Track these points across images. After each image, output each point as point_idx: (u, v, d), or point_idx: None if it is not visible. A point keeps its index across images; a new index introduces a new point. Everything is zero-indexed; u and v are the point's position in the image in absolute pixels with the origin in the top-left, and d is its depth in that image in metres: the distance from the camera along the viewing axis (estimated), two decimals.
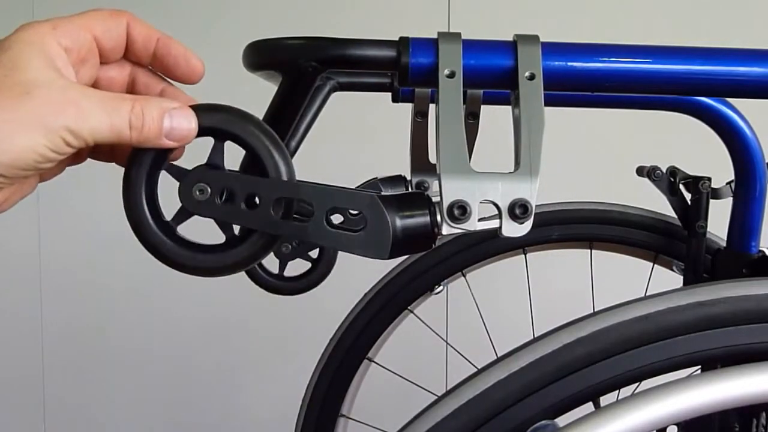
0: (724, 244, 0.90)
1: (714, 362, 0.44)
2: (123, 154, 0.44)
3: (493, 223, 0.42)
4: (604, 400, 0.42)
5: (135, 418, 1.80)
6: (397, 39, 0.45)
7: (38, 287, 1.76)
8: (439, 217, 0.42)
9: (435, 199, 0.43)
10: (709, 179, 0.90)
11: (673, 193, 0.91)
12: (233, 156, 0.43)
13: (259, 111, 0.45)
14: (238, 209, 0.42)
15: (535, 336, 0.44)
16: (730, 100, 0.82)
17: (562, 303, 1.10)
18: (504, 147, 0.55)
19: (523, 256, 1.00)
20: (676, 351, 0.42)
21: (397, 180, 0.82)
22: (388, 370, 1.03)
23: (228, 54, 0.83)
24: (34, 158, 0.37)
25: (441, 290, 0.99)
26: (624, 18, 1.67)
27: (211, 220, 0.42)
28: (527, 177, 0.42)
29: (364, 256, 0.42)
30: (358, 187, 0.73)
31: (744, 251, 0.87)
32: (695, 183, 0.90)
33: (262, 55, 0.48)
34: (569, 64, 0.46)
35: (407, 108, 0.81)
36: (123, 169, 0.42)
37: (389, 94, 0.77)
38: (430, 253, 0.96)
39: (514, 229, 0.42)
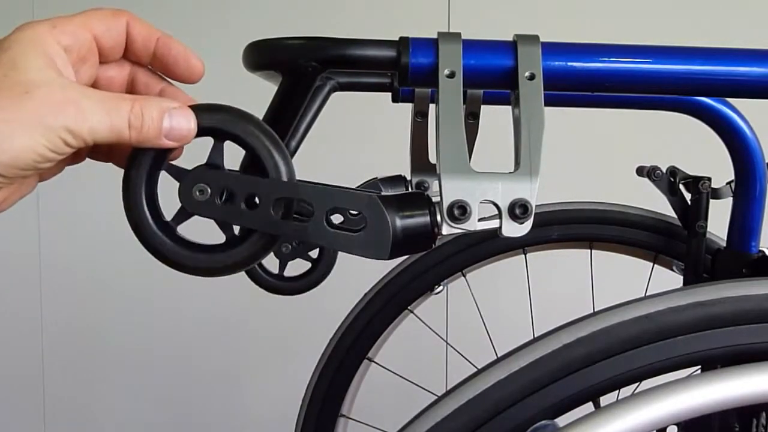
0: (724, 244, 0.90)
1: (714, 362, 0.44)
2: (121, 154, 0.44)
3: (493, 223, 0.42)
4: (604, 400, 0.42)
5: (135, 418, 1.80)
6: (397, 39, 0.45)
7: (38, 287, 1.76)
8: (439, 217, 0.42)
9: (435, 199, 0.43)
10: (709, 179, 0.90)
11: (673, 193, 0.91)
12: (233, 156, 0.43)
13: (259, 111, 0.45)
14: (238, 209, 0.42)
15: (535, 336, 0.44)
16: (730, 100, 0.82)
17: (562, 303, 1.10)
18: (504, 147, 0.55)
19: (523, 256, 1.00)
20: (676, 351, 0.42)
21: (397, 180, 0.82)
22: (388, 370, 1.03)
23: (228, 54, 0.83)
24: (33, 158, 0.37)
25: (441, 290, 0.99)
26: (624, 18, 1.67)
27: (211, 220, 0.42)
28: (527, 177, 0.42)
29: (364, 257, 0.42)
30: (358, 187, 0.73)
31: (744, 251, 0.87)
32: (695, 183, 0.90)
33: (262, 55, 0.48)
34: (569, 64, 0.46)
35: (407, 108, 0.81)
36: (123, 169, 0.42)
37: (389, 94, 0.77)
38: (430, 253, 0.96)
39: (514, 229, 0.42)
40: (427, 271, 0.97)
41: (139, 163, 0.41)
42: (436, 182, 0.55)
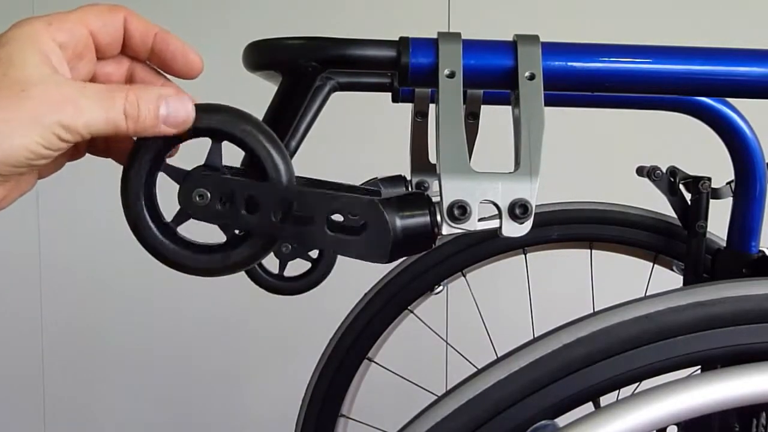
0: (724, 244, 0.90)
1: (714, 362, 0.44)
2: (119, 149, 0.44)
3: (493, 223, 0.42)
4: (604, 400, 0.42)
5: (135, 418, 1.80)
6: (397, 39, 0.45)
7: (38, 287, 1.76)
8: (439, 217, 0.42)
9: (435, 199, 0.43)
10: (709, 179, 0.90)
11: (673, 193, 0.91)
12: (233, 155, 0.43)
13: (259, 111, 0.45)
14: (237, 214, 0.42)
15: (535, 336, 0.44)
16: (730, 100, 0.82)
17: (562, 303, 1.10)
18: (504, 147, 0.55)
19: (523, 256, 1.00)
20: (676, 351, 0.42)
21: (397, 180, 0.82)
22: (388, 370, 1.03)
23: (228, 54, 0.83)
24: (26, 155, 0.37)
25: (441, 290, 0.99)
26: (624, 18, 1.67)
27: None
28: (527, 177, 0.42)
29: (364, 260, 0.42)
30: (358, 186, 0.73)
31: (744, 251, 0.87)
32: (695, 183, 0.90)
33: (262, 55, 0.48)
34: (569, 64, 0.46)
35: (407, 108, 0.81)
36: (123, 167, 0.42)
37: (389, 94, 0.77)
38: (430, 253, 0.96)
39: (514, 229, 0.42)
40: (427, 271, 0.97)
41: (138, 162, 0.41)
42: (436, 182, 0.55)
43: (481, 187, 0.42)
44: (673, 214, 0.93)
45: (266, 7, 1.69)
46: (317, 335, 1.03)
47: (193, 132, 0.41)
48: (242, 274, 0.49)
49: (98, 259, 1.74)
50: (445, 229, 0.42)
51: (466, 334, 1.20)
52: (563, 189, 1.01)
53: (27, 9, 1.67)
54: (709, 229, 0.90)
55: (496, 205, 0.42)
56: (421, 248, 0.43)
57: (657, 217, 0.97)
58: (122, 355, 1.78)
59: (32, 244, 1.75)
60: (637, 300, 0.44)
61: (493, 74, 0.45)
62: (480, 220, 0.42)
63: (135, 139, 0.42)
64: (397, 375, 1.07)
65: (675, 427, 0.73)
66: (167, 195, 0.43)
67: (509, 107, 0.46)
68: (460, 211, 0.42)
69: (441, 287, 0.99)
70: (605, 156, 1.66)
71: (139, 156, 0.41)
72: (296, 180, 0.43)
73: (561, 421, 0.41)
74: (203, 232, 0.44)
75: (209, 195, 0.41)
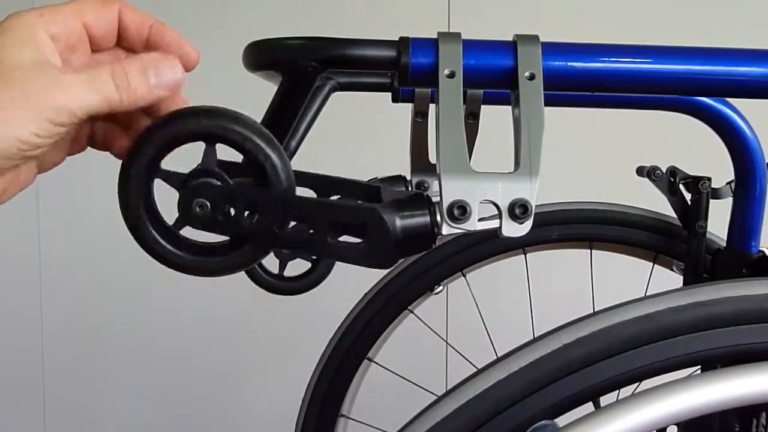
0: (724, 244, 0.90)
1: (714, 362, 0.44)
2: (118, 142, 0.44)
3: (493, 223, 0.42)
4: (604, 400, 0.42)
5: (135, 418, 1.80)
6: (397, 39, 0.45)
7: (38, 287, 1.76)
8: (439, 217, 0.42)
9: (435, 199, 0.43)
10: (709, 179, 0.90)
11: (673, 193, 0.91)
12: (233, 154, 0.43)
13: (258, 111, 0.45)
14: (238, 224, 0.41)
15: (535, 336, 0.44)
16: (730, 100, 0.82)
17: (562, 303, 1.10)
18: (504, 147, 0.55)
19: (523, 256, 1.00)
20: (676, 351, 0.42)
21: (397, 180, 0.82)
22: (388, 370, 1.03)
23: (228, 54, 0.83)
24: (19, 146, 0.37)
25: (441, 290, 0.99)
26: (624, 18, 1.67)
27: None
28: (527, 177, 0.42)
29: (365, 267, 0.42)
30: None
31: (744, 251, 0.87)
32: (695, 183, 0.90)
33: (262, 55, 0.48)
34: (569, 64, 0.46)
35: (407, 108, 0.81)
36: (121, 168, 0.42)
37: (389, 94, 0.77)
38: (430, 253, 0.96)
39: (514, 229, 0.42)
40: (427, 271, 0.97)
41: (136, 163, 0.41)
42: (436, 182, 0.55)
43: (481, 187, 0.42)
44: (673, 214, 0.93)
45: (266, 7, 1.69)
46: (317, 335, 1.02)
47: (191, 136, 0.41)
48: (242, 274, 0.49)
49: (98, 259, 1.74)
50: (445, 229, 0.42)
51: (466, 334, 1.20)
52: (563, 189, 1.01)
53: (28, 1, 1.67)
54: (709, 229, 0.90)
55: (496, 205, 0.42)
56: (421, 248, 0.43)
57: (657, 217, 0.97)
58: (122, 355, 1.78)
59: (32, 244, 1.75)
60: (637, 300, 0.44)
61: (493, 74, 0.45)
62: (480, 220, 0.42)
63: (133, 139, 0.42)
64: (397, 375, 1.07)
65: (675, 427, 0.73)
66: (163, 194, 0.43)
67: (509, 107, 0.46)
68: (460, 211, 0.42)
69: (441, 287, 0.99)
70: (605, 156, 1.66)
71: (138, 157, 0.41)
72: (295, 175, 0.42)
73: (561, 421, 0.41)
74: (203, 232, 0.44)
75: (209, 206, 0.41)
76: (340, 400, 0.98)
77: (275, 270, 0.76)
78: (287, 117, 0.46)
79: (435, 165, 0.44)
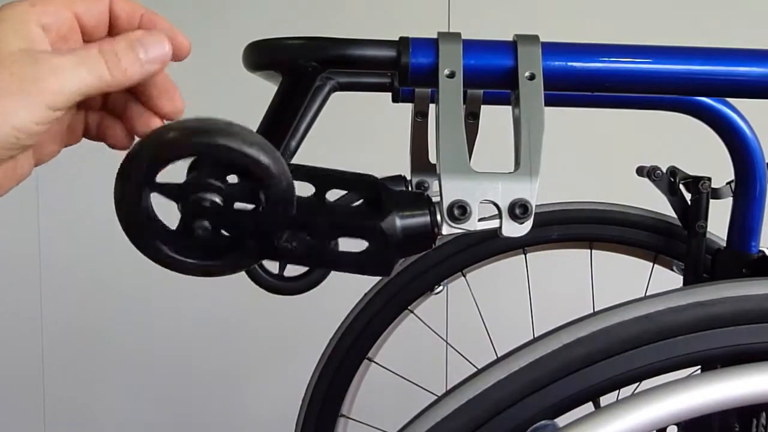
0: (724, 244, 0.90)
1: (714, 362, 0.44)
2: (111, 131, 0.45)
3: (493, 223, 0.42)
4: (604, 400, 0.42)
5: (135, 418, 1.80)
6: (397, 39, 0.45)
7: (38, 287, 1.76)
8: (439, 217, 0.42)
9: (435, 199, 0.43)
10: (709, 179, 0.90)
11: (673, 193, 0.91)
12: None
13: (258, 111, 0.45)
14: (240, 242, 0.41)
15: (535, 336, 0.44)
16: (730, 100, 0.82)
17: (562, 303, 1.10)
18: (504, 147, 0.55)
19: (523, 256, 1.00)
20: (676, 351, 0.42)
21: (397, 180, 0.82)
22: (388, 370, 1.03)
23: (228, 54, 0.83)
24: (16, 135, 0.37)
25: (441, 290, 0.99)
26: (624, 18, 1.67)
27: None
28: (527, 177, 0.42)
29: (367, 275, 0.42)
30: None
31: (744, 251, 0.87)
32: (695, 183, 0.90)
33: (262, 55, 0.48)
34: (569, 64, 0.46)
35: (407, 108, 0.81)
36: (116, 149, 0.42)
37: (389, 94, 0.77)
38: (430, 253, 0.96)
39: (514, 229, 0.42)
40: (427, 271, 0.97)
41: (136, 165, 0.41)
42: (436, 182, 0.55)
43: (481, 187, 0.42)
44: (673, 214, 0.93)
45: (266, 7, 1.69)
46: (317, 335, 1.02)
47: (179, 157, 0.40)
48: (242, 273, 0.49)
49: (98, 259, 1.74)
50: (445, 229, 0.42)
51: (466, 334, 1.20)
52: (563, 189, 1.01)
53: None
54: (709, 229, 0.90)
55: (496, 205, 0.42)
56: (422, 248, 0.43)
57: (657, 217, 0.97)
58: (122, 355, 1.78)
59: (32, 244, 1.75)
60: (637, 300, 0.44)
61: (493, 74, 0.45)
62: (480, 220, 0.42)
63: (133, 140, 0.42)
64: (397, 375, 1.07)
65: (675, 427, 0.73)
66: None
67: (509, 107, 0.46)
68: (460, 211, 0.42)
69: (441, 287, 0.99)
70: (605, 156, 1.66)
71: (136, 162, 0.40)
72: (293, 169, 0.42)
73: (561, 421, 0.41)
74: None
75: (210, 227, 0.40)
76: (340, 400, 0.98)
77: (275, 270, 0.76)
78: (287, 117, 0.46)
79: (435, 165, 0.44)
